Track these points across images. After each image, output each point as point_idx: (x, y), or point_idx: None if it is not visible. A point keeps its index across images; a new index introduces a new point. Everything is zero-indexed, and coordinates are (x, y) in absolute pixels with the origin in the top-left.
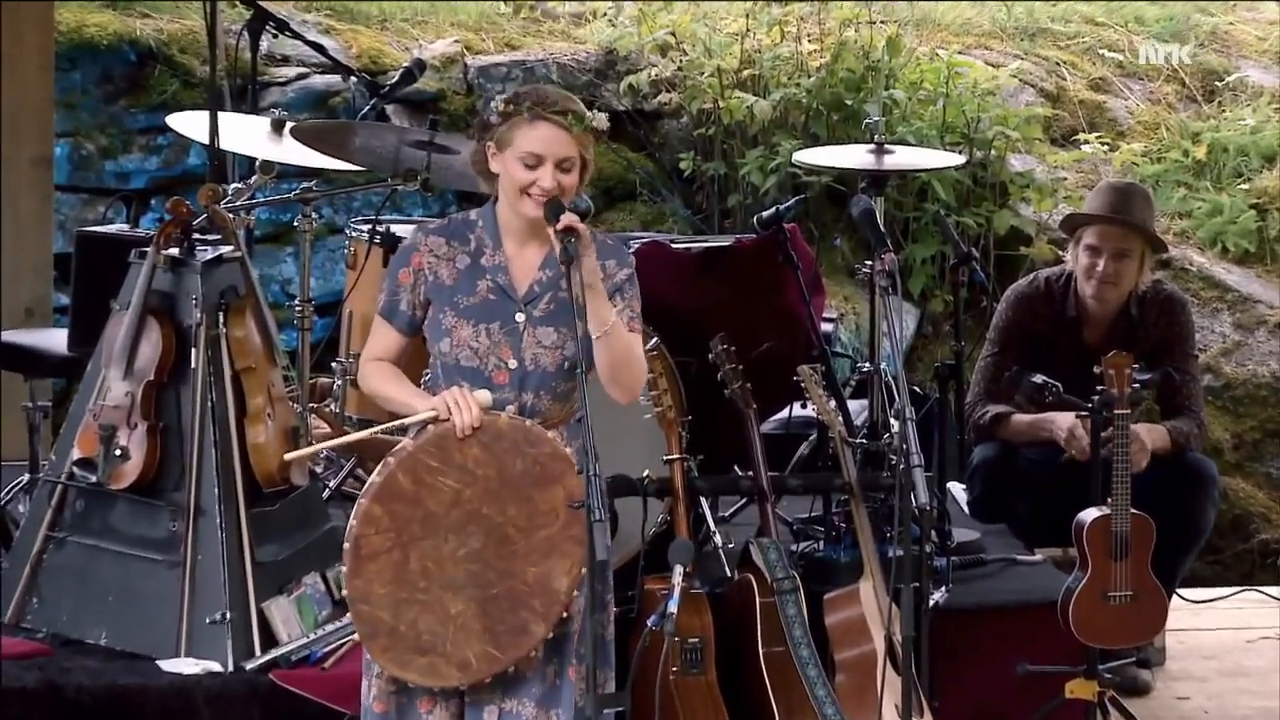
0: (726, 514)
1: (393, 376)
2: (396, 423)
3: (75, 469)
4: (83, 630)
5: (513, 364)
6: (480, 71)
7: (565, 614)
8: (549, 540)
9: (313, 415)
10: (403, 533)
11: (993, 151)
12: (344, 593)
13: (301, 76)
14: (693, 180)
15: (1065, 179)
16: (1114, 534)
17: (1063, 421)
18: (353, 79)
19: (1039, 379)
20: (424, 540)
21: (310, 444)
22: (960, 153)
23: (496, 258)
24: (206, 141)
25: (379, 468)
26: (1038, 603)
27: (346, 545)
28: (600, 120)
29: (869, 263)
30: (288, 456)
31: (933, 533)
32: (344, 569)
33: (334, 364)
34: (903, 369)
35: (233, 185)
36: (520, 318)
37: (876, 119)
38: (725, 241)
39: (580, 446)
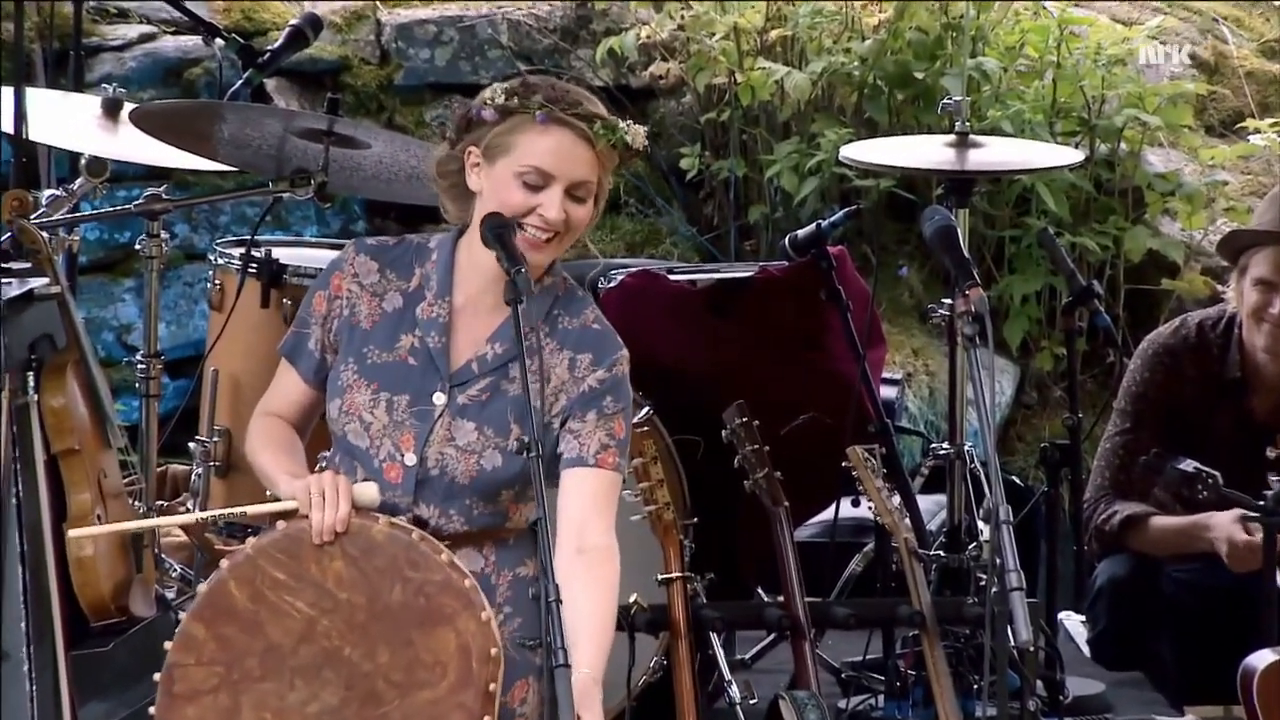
0: (747, 656)
1: (274, 440)
2: (236, 510)
3: None
4: None
5: (410, 459)
6: (399, 32)
7: None
8: (432, 706)
9: (163, 516)
10: (233, 669)
11: (1123, 145)
12: None
13: (146, 39)
14: (699, 185)
15: (1226, 183)
16: None
17: (1223, 526)
18: (219, 42)
19: (1189, 466)
20: (262, 683)
21: (158, 558)
22: (1077, 146)
23: (436, 309)
24: (9, 130)
25: (210, 575)
26: None
27: (157, 677)
28: (638, 136)
29: (948, 301)
30: (73, 533)
31: (1039, 683)
32: (151, 710)
33: (193, 444)
34: (996, 451)
35: (48, 192)
36: (439, 399)
37: (958, 99)
38: (746, 271)
39: (524, 573)
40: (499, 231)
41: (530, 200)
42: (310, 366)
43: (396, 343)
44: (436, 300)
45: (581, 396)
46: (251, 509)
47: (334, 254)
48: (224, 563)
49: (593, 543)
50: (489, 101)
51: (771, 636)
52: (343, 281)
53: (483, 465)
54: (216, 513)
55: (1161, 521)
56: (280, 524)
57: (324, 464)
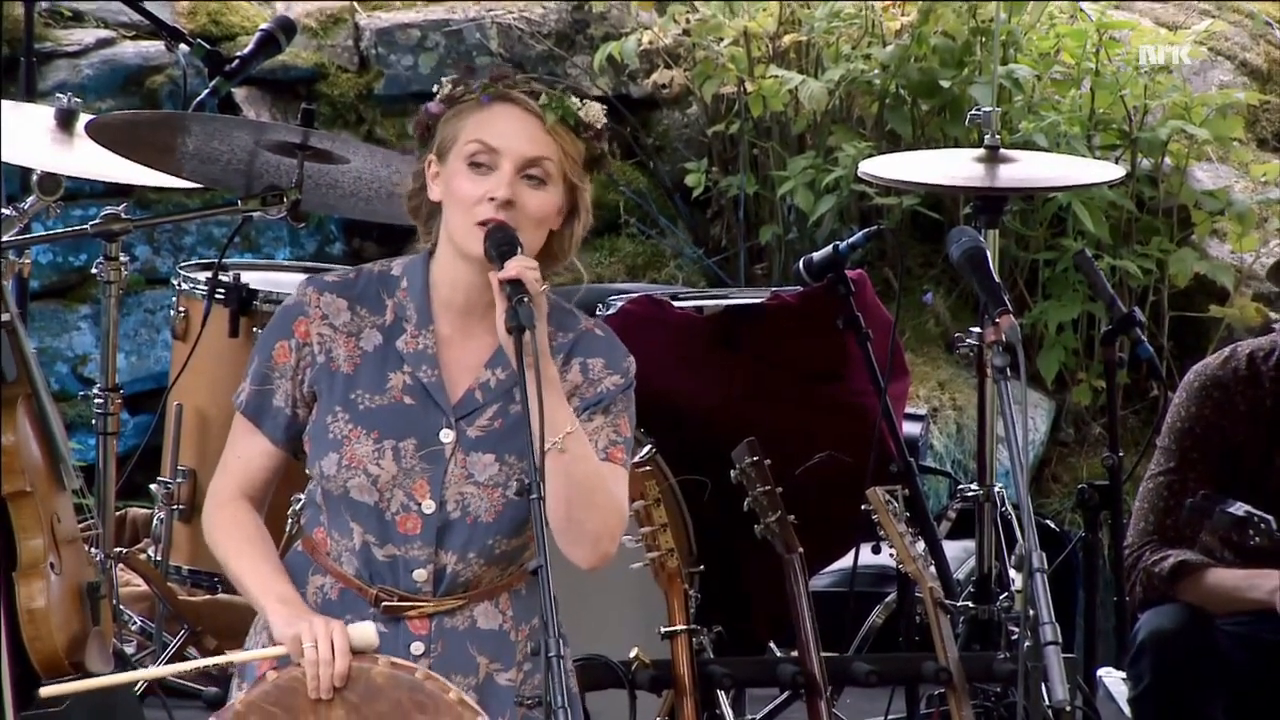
0: (758, 716)
1: (248, 543)
2: (224, 658)
3: None
4: None
5: (429, 506)
6: (379, 37)
7: None
8: None
9: (120, 566)
10: None
11: (1168, 159)
12: None
13: (103, 44)
14: (706, 203)
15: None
16: None
17: (1274, 577)
18: (183, 47)
19: (1240, 509)
20: None
21: (116, 610)
22: (1117, 161)
23: (421, 340)
24: None
25: None
26: None
27: None
28: (593, 111)
29: (976, 330)
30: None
31: None
32: None
33: (154, 486)
34: (1029, 493)
35: None
36: (448, 436)
37: (987, 110)
38: (756, 298)
39: (537, 623)
40: (503, 249)
41: (480, 186)
42: (279, 425)
43: (386, 383)
44: (419, 331)
45: (596, 397)
46: (237, 656)
47: None
48: (213, 719)
49: None
50: (437, 94)
51: (785, 695)
52: (310, 326)
53: (508, 496)
54: (196, 664)
55: (1220, 574)
56: (270, 674)
57: (299, 506)
